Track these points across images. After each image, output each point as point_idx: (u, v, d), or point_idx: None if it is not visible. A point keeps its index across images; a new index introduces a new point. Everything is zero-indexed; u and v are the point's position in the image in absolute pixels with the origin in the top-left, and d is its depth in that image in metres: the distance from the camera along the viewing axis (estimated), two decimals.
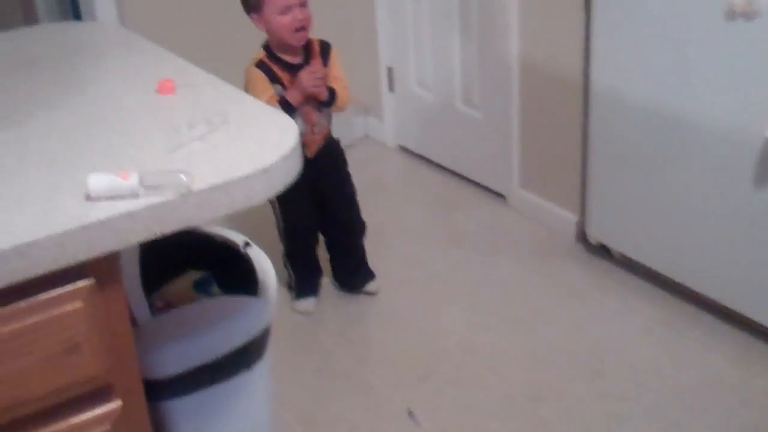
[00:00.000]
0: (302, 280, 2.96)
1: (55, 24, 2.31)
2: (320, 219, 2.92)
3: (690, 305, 2.76)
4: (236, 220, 1.74)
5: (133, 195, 1.19)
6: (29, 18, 4.45)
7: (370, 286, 2.99)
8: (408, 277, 3.07)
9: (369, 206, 3.35)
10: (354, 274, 3.00)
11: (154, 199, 1.21)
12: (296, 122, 2.66)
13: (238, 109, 1.60)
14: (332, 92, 2.74)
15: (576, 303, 2.86)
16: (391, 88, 3.92)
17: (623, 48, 2.68)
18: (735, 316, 2.64)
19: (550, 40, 3.03)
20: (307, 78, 2.64)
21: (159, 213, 1.23)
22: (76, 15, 3.52)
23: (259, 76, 2.66)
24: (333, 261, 3.02)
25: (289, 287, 2.97)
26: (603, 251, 3.05)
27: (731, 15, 2.32)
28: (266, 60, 2.69)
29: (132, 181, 1.18)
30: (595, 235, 3.04)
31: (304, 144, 2.66)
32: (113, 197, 1.19)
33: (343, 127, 3.93)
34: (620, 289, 2.89)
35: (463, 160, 3.64)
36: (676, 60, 2.52)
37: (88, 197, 1.21)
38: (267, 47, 2.71)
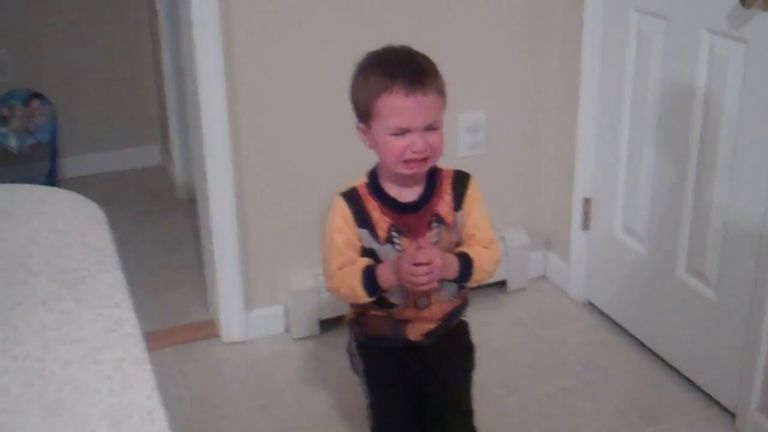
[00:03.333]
0: None
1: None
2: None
3: None
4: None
5: None
6: None
7: None
8: None
9: (528, 394, 2.40)
10: None
11: None
12: (390, 292, 1.78)
13: None
14: (466, 261, 1.78)
15: None
16: (586, 225, 2.90)
17: None
18: None
19: None
20: (407, 268, 1.68)
21: None
22: None
23: (340, 212, 1.79)
24: None
25: None
26: None
27: None
28: (362, 190, 1.79)
29: None
30: None
31: (402, 321, 1.85)
32: None
33: (513, 260, 2.96)
34: None
35: (678, 349, 2.58)
36: None
37: None
38: (372, 172, 1.82)
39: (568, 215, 2.95)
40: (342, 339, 2.75)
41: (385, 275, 1.74)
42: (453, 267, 1.76)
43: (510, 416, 2.44)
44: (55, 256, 1.26)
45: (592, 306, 2.95)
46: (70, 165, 4.01)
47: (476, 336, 2.78)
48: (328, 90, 2.64)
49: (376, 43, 1.81)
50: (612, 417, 2.44)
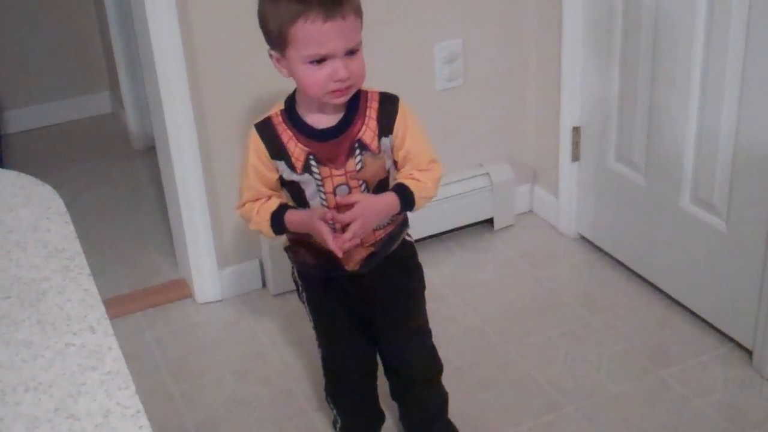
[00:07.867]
0: (351, 425, 2.03)
1: None
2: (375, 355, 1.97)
3: None
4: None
5: None
6: None
7: None
8: None
9: (528, 341, 2.28)
10: (427, 428, 2.02)
11: None
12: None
13: None
14: (405, 195, 1.67)
15: None
16: (576, 156, 2.73)
17: None
18: None
19: None
20: (323, 229, 1.61)
21: None
22: None
23: (254, 146, 1.67)
24: (400, 408, 2.05)
25: (334, 426, 2.07)
26: None
27: None
28: (277, 119, 1.66)
29: None
30: None
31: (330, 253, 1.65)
32: None
33: (499, 197, 2.78)
34: None
35: (685, 284, 2.43)
36: None
37: None
38: (290, 98, 1.69)
39: (556, 146, 2.77)
40: None
41: (294, 224, 1.67)
42: (391, 206, 1.66)
43: (512, 366, 2.28)
44: (2, 261, 0.94)
45: (584, 240, 2.79)
46: (14, 118, 3.74)
47: (466, 279, 2.64)
48: None
49: None
50: (621, 361, 2.29)
